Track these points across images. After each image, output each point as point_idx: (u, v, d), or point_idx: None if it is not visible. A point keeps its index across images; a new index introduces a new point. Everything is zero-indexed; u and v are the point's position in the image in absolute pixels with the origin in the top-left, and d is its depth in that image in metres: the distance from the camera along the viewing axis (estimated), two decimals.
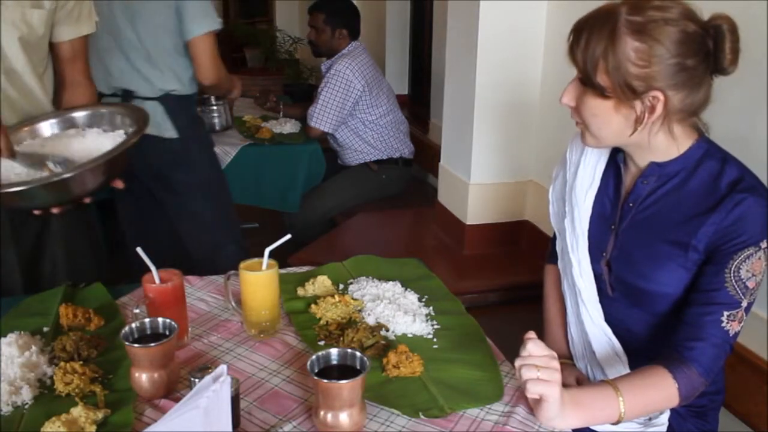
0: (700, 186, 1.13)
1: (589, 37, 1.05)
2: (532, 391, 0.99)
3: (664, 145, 1.13)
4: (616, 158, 1.24)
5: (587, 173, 1.27)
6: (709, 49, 1.04)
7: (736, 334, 1.09)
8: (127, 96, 2.17)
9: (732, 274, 1.07)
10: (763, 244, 1.07)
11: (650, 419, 1.19)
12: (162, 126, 2.19)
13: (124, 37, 2.14)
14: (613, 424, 1.06)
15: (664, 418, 1.19)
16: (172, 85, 2.20)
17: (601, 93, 1.06)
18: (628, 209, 1.21)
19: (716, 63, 1.05)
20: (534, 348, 0.99)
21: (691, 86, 1.06)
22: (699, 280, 1.11)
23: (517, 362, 1.01)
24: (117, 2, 2.10)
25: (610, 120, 1.09)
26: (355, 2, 3.26)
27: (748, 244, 1.07)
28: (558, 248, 1.36)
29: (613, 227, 1.23)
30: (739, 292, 1.07)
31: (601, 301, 1.25)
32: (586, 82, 1.08)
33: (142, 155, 2.07)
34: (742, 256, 1.07)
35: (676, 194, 1.15)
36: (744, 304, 1.08)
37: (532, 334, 1.02)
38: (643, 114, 1.07)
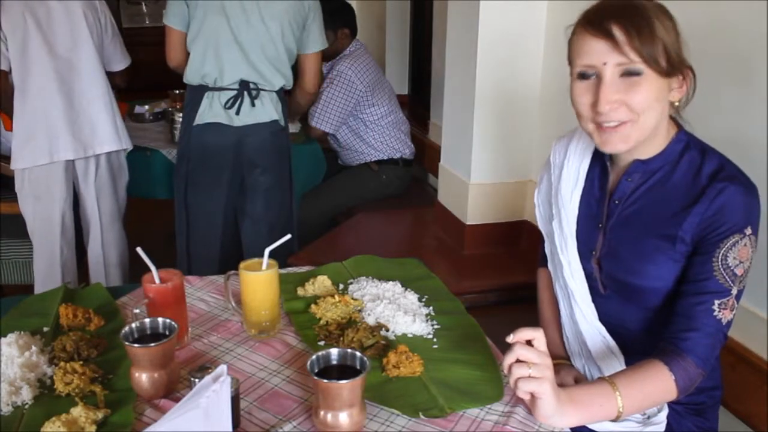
0: (683, 179, 1.15)
1: (639, 25, 1.05)
2: (523, 389, 0.99)
3: (655, 138, 1.15)
4: (603, 157, 1.24)
5: (571, 174, 1.28)
6: None
7: (729, 322, 1.09)
8: (246, 87, 2.34)
9: (720, 263, 1.08)
10: (748, 231, 1.09)
11: (648, 417, 1.19)
12: (276, 114, 2.42)
13: (256, 35, 2.31)
14: (612, 420, 1.07)
15: (663, 416, 1.19)
16: (284, 81, 2.42)
17: (664, 73, 1.07)
18: (614, 207, 1.22)
19: None
20: (524, 351, 0.99)
21: None
22: (688, 271, 1.13)
23: (506, 361, 1.00)
24: (254, 2, 2.27)
25: (664, 102, 1.11)
26: (355, 2, 3.25)
27: (733, 232, 1.08)
28: (547, 251, 1.37)
29: (600, 225, 1.23)
30: (728, 279, 1.08)
31: (594, 300, 1.25)
32: (649, 66, 1.06)
33: (259, 140, 2.39)
34: (728, 244, 1.08)
35: (660, 189, 1.17)
36: (734, 291, 1.09)
37: (521, 336, 1.01)
38: (687, 85, 1.12)
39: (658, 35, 1.06)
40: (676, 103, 1.13)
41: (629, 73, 1.07)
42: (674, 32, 1.09)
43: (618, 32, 1.06)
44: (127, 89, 2.89)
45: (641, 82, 1.07)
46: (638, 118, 1.09)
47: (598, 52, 1.08)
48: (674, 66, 1.08)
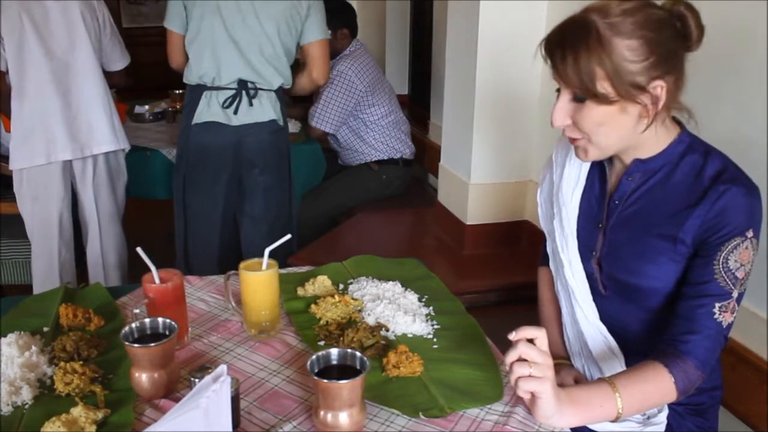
0: (684, 179, 1.14)
1: (575, 52, 1.04)
2: (524, 389, 0.99)
3: (652, 140, 1.14)
4: None
5: (572, 173, 1.28)
6: (679, 29, 1.07)
7: (730, 325, 1.09)
8: (244, 86, 2.34)
9: (721, 266, 1.08)
10: (749, 234, 1.08)
11: (648, 418, 1.19)
12: (274, 114, 2.41)
13: (252, 35, 2.30)
14: (612, 421, 1.07)
15: (663, 417, 1.20)
16: (282, 80, 2.41)
17: (605, 100, 1.06)
18: (614, 206, 1.21)
19: (686, 40, 1.08)
20: (526, 349, 0.99)
21: (678, 67, 1.08)
22: (689, 273, 1.12)
23: (508, 358, 1.00)
24: (250, 2, 2.26)
25: (618, 124, 1.09)
26: (355, 2, 3.25)
27: (734, 235, 1.08)
28: (548, 249, 1.37)
29: (600, 225, 1.23)
30: (729, 282, 1.08)
31: (594, 300, 1.25)
32: (586, 95, 1.07)
33: (257, 139, 2.39)
34: (729, 247, 1.08)
35: (660, 189, 1.16)
36: (735, 294, 1.08)
37: (524, 335, 1.01)
38: (652, 106, 1.07)
39: (598, 65, 1.03)
40: (647, 120, 1.09)
41: (575, 98, 1.09)
42: (635, 52, 1.03)
43: (558, 61, 1.07)
44: (127, 89, 2.88)
45: (583, 108, 1.08)
46: (590, 137, 1.11)
47: (553, 74, 1.11)
48: (623, 93, 1.05)
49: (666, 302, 1.17)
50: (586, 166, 1.27)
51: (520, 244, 2.38)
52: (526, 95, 2.25)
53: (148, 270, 1.19)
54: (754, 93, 1.40)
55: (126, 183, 2.70)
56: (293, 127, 3.11)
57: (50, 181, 2.44)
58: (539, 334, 1.00)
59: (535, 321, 1.43)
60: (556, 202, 1.29)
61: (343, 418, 0.95)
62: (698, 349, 1.07)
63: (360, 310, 1.32)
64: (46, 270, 2.53)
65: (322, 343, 1.22)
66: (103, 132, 2.48)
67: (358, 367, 0.98)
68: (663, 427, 1.20)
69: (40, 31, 2.33)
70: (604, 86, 1.05)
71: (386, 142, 3.12)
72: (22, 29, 2.30)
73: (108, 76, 2.59)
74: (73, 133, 2.42)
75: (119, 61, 2.66)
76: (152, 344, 1.02)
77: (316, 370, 0.97)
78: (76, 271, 2.65)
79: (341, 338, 1.20)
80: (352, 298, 1.34)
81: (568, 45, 1.05)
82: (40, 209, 2.46)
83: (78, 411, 0.96)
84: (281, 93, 2.45)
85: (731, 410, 1.47)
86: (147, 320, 1.08)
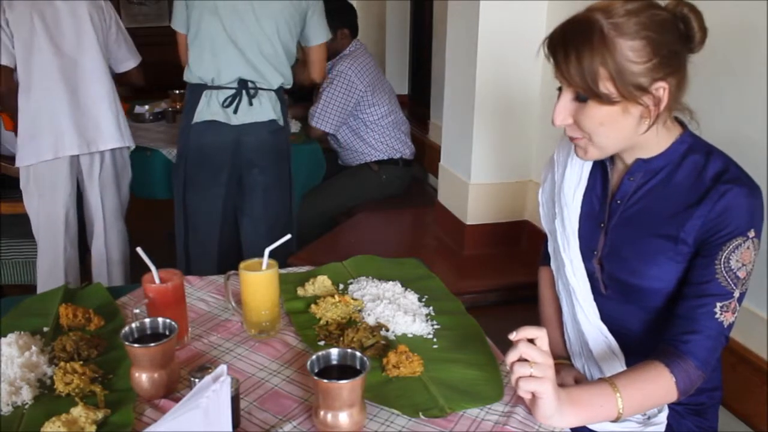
0: (686, 179, 1.14)
1: (579, 52, 1.04)
2: (524, 389, 0.99)
3: (653, 140, 1.14)
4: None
5: (574, 173, 1.28)
6: (682, 31, 1.07)
7: (731, 325, 1.09)
8: (244, 86, 2.35)
9: (722, 265, 1.08)
10: (751, 233, 1.08)
11: (648, 418, 1.19)
12: (274, 114, 2.42)
13: (251, 34, 2.31)
14: (612, 421, 1.07)
15: (663, 417, 1.19)
16: (282, 79, 2.42)
17: (608, 100, 1.06)
18: (616, 206, 1.22)
19: (689, 42, 1.08)
20: (527, 349, 0.99)
21: (680, 69, 1.09)
22: (690, 273, 1.12)
23: (509, 358, 1.00)
24: (248, 2, 2.27)
25: (619, 124, 1.09)
26: (355, 2, 3.25)
27: (736, 234, 1.08)
28: (550, 249, 1.37)
29: (602, 225, 1.23)
30: (731, 282, 1.08)
31: (595, 299, 1.25)
32: (588, 95, 1.07)
33: (257, 139, 2.39)
34: (731, 247, 1.08)
35: (662, 189, 1.16)
36: (736, 294, 1.08)
37: (525, 335, 1.01)
38: (654, 107, 1.07)
39: (601, 65, 1.03)
40: (648, 121, 1.09)
41: (578, 97, 1.09)
42: (638, 53, 1.03)
43: (561, 60, 1.07)
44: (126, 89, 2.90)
45: (585, 107, 1.09)
46: (590, 137, 1.12)
47: (555, 72, 1.10)
48: (625, 94, 1.05)
49: (667, 302, 1.17)
50: (588, 166, 1.27)
51: (520, 244, 2.38)
52: (526, 95, 2.25)
53: (149, 270, 1.19)
54: (754, 93, 1.40)
55: (130, 181, 2.71)
56: (293, 127, 3.11)
57: (57, 177, 2.45)
58: (540, 334, 1.00)
59: (535, 321, 1.43)
60: (558, 202, 1.29)
61: (343, 418, 0.95)
62: (699, 349, 1.07)
63: (360, 310, 1.32)
64: (51, 267, 2.54)
65: (322, 343, 1.22)
66: (109, 129, 2.50)
67: (358, 367, 0.98)
68: (663, 427, 1.20)
69: (50, 31, 2.35)
70: (606, 86, 1.05)
71: (386, 142, 3.12)
72: (32, 28, 2.32)
73: (124, 75, 2.64)
74: (80, 129, 2.44)
75: (129, 61, 2.68)
76: (152, 344, 1.02)
77: (316, 370, 0.97)
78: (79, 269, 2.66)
79: (341, 338, 1.20)
80: (352, 298, 1.34)
81: (572, 44, 1.05)
82: (46, 206, 2.47)
83: (78, 411, 0.96)
84: (282, 93, 2.45)
85: (731, 410, 1.47)
86: (147, 320, 1.08)
